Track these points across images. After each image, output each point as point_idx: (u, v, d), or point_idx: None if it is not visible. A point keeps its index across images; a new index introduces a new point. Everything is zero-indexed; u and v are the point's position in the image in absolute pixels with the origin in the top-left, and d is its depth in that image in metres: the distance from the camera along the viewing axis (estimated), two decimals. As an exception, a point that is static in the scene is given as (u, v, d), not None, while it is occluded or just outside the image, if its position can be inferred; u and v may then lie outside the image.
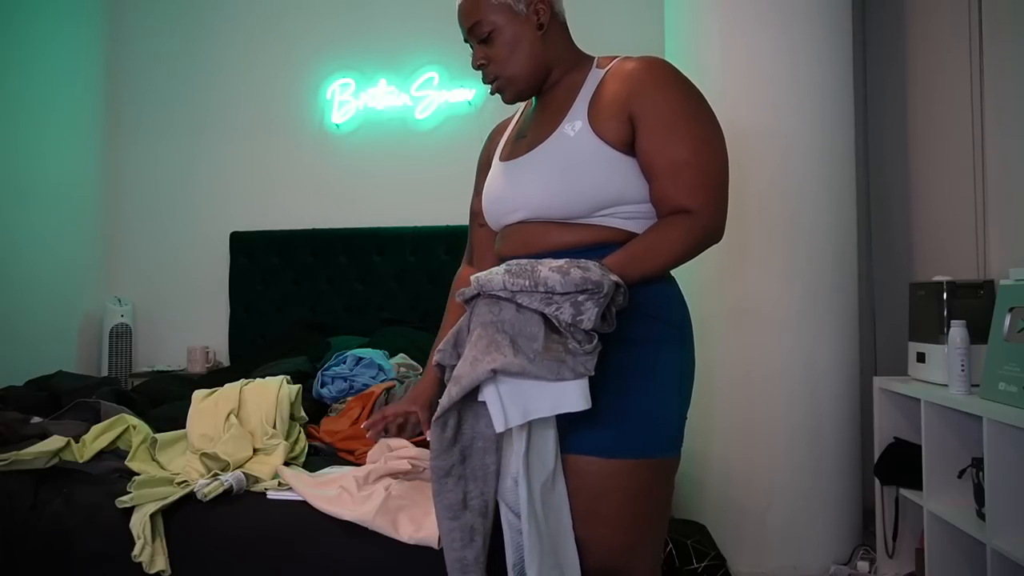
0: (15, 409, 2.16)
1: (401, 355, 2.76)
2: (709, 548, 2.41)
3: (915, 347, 2.41)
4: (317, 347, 3.05)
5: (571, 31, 1.44)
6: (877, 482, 2.50)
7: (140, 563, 1.53)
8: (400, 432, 1.43)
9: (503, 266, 1.19)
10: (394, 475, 1.66)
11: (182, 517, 1.61)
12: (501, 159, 1.45)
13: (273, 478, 1.75)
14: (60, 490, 1.70)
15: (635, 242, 1.27)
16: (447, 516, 1.20)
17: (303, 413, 2.17)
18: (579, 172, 1.28)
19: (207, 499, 1.61)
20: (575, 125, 1.31)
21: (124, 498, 1.61)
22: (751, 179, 2.61)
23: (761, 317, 2.61)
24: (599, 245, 1.28)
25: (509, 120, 1.54)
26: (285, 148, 3.81)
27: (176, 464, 1.83)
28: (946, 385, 2.17)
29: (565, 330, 1.12)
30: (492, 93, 1.43)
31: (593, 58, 1.41)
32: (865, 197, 3.23)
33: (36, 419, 2.06)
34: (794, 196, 2.62)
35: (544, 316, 1.14)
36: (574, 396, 1.13)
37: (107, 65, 3.84)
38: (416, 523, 1.49)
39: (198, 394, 2.08)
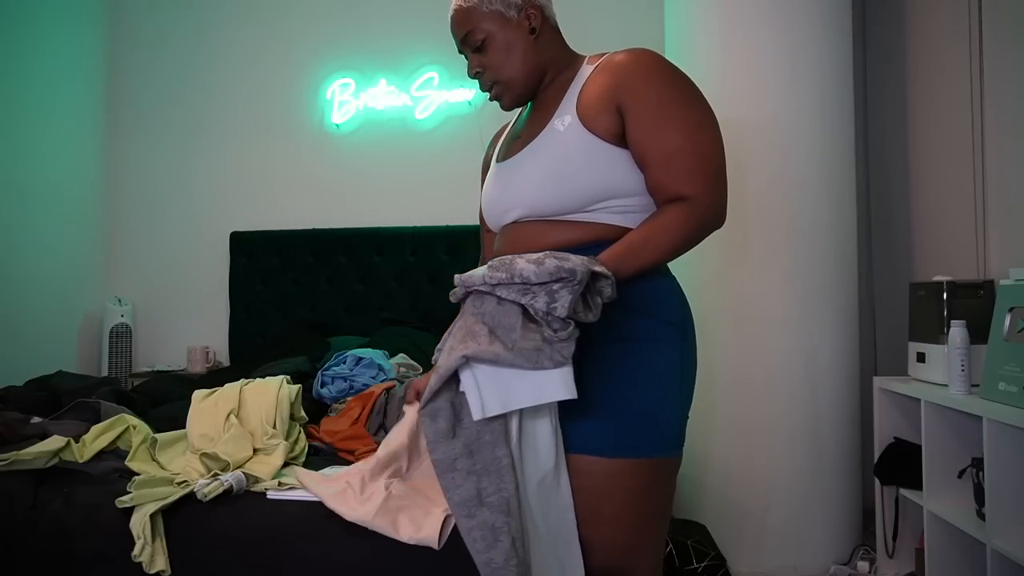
0: (15, 409, 2.16)
1: (401, 355, 2.76)
2: (709, 548, 2.41)
3: (915, 347, 2.41)
4: (317, 347, 3.05)
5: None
6: (877, 482, 2.50)
7: (140, 563, 1.53)
8: None
9: (488, 263, 1.20)
10: (395, 473, 1.66)
11: (182, 517, 1.60)
12: (497, 161, 1.47)
13: (274, 477, 1.75)
14: (60, 490, 1.70)
15: (632, 234, 1.26)
16: (462, 514, 1.17)
17: (303, 413, 2.17)
18: (570, 166, 1.29)
19: (207, 499, 1.61)
20: (564, 120, 1.31)
21: (124, 498, 1.61)
22: (751, 179, 2.61)
23: (761, 317, 2.61)
24: (595, 242, 1.28)
25: (508, 124, 1.56)
26: (285, 148, 3.81)
27: (176, 464, 1.83)
28: (946, 385, 2.17)
29: (541, 319, 1.13)
30: (491, 99, 1.45)
31: (584, 57, 1.42)
32: (865, 197, 3.23)
33: (36, 419, 2.06)
34: (794, 196, 2.62)
35: (522, 307, 1.14)
36: (556, 385, 1.12)
37: (107, 65, 3.84)
38: (416, 523, 1.49)
39: (198, 394, 2.08)
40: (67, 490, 1.70)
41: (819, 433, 2.61)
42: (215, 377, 2.91)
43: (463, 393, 1.15)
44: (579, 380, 1.20)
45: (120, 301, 3.70)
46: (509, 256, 1.17)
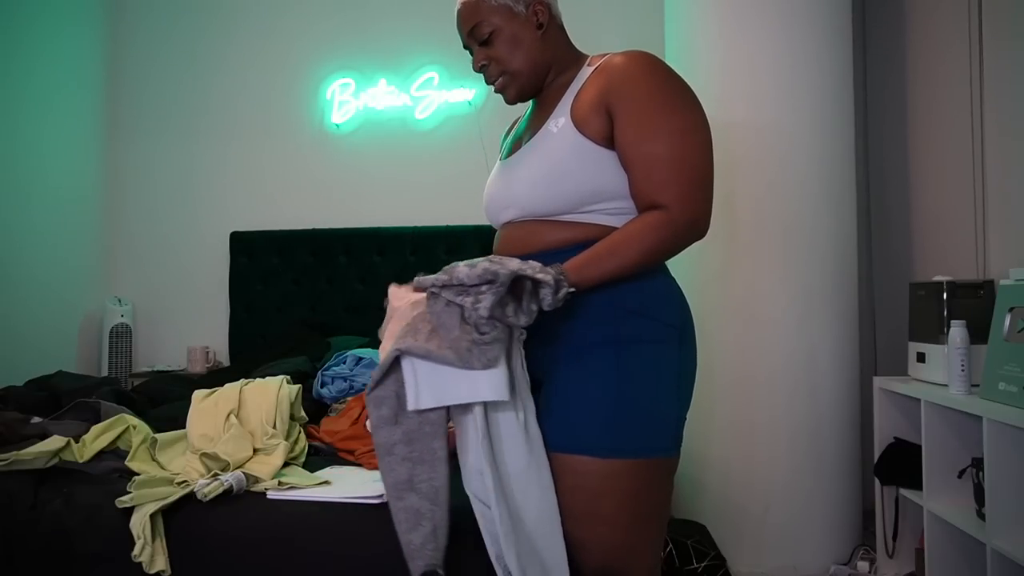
0: (15, 409, 2.16)
1: (401, 355, 2.75)
2: (709, 548, 2.42)
3: (915, 347, 2.41)
4: (317, 347, 3.05)
5: (572, 31, 1.46)
6: (877, 482, 2.50)
7: (140, 563, 1.52)
8: None
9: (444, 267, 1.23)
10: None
11: (182, 517, 1.60)
12: (501, 158, 1.48)
13: (274, 477, 1.75)
14: (60, 490, 1.70)
15: (601, 242, 1.25)
16: (392, 495, 1.25)
17: (303, 413, 2.17)
18: (561, 168, 1.29)
19: (207, 499, 1.61)
20: (559, 122, 1.32)
21: (124, 498, 1.61)
22: (751, 179, 2.61)
23: (761, 317, 2.61)
24: (587, 243, 1.27)
25: (519, 118, 1.56)
26: (285, 148, 3.81)
27: (176, 464, 1.83)
28: (946, 385, 2.17)
29: (468, 320, 1.16)
30: (496, 91, 1.45)
31: (587, 57, 1.42)
32: (865, 198, 3.23)
33: (36, 419, 2.06)
34: (794, 196, 2.62)
35: (461, 308, 1.19)
36: (485, 386, 1.16)
37: (107, 65, 3.84)
38: None
39: (198, 394, 2.08)
40: (67, 490, 1.70)
41: (819, 433, 2.61)
42: (215, 377, 2.91)
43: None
44: (574, 380, 1.22)
45: (120, 301, 3.69)
46: (457, 262, 1.20)
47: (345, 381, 2.47)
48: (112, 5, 3.86)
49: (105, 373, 3.54)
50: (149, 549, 1.53)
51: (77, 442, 1.87)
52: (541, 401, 1.31)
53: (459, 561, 1.31)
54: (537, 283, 1.15)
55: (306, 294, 3.68)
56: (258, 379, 2.19)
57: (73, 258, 3.58)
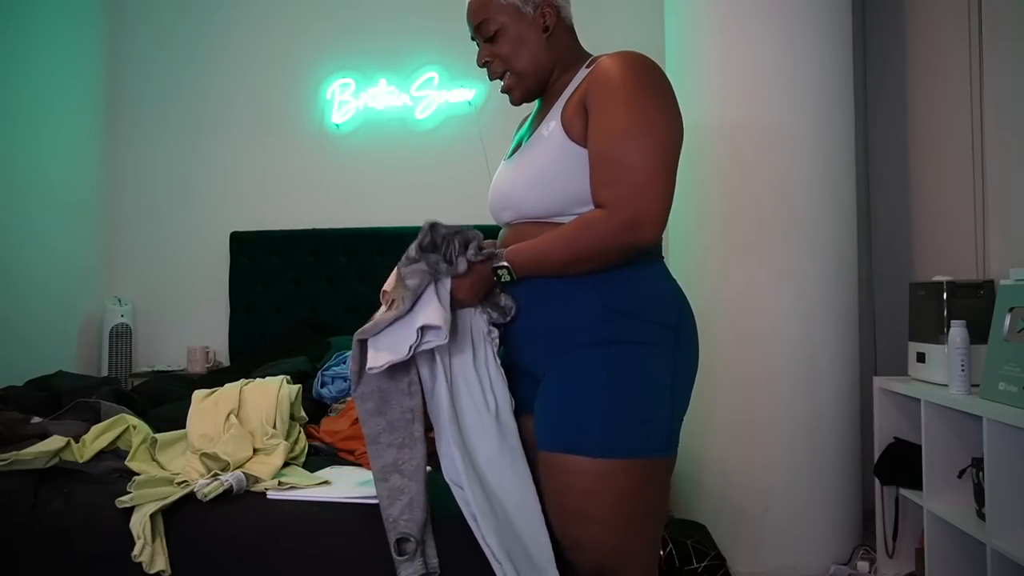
0: (15, 409, 2.16)
1: (401, 355, 2.75)
2: (709, 548, 2.42)
3: (915, 347, 2.41)
4: (317, 347, 3.05)
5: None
6: (877, 482, 2.50)
7: (140, 563, 1.52)
8: None
9: None
10: None
11: (182, 517, 1.60)
12: (505, 158, 1.49)
13: (274, 477, 1.75)
14: (60, 490, 1.70)
15: (541, 238, 1.29)
16: (379, 478, 1.33)
17: (303, 413, 2.17)
18: (550, 173, 1.31)
19: (207, 499, 1.61)
20: (550, 126, 1.34)
21: (124, 498, 1.61)
22: (751, 179, 2.61)
23: (761, 317, 2.61)
24: None
25: (528, 115, 1.57)
26: (285, 148, 3.81)
27: (176, 464, 1.83)
28: (946, 385, 2.17)
29: (402, 267, 1.29)
30: (502, 91, 1.47)
31: (588, 57, 1.42)
32: (865, 198, 3.23)
33: (36, 419, 2.06)
34: (794, 196, 2.62)
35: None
36: (420, 318, 1.25)
37: (106, 65, 3.84)
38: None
39: (198, 394, 2.08)
40: (67, 490, 1.70)
41: (819, 433, 2.61)
42: (215, 377, 2.91)
43: (389, 379, 1.32)
44: (566, 381, 1.25)
45: (120, 301, 3.69)
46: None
47: (345, 381, 2.47)
48: (112, 5, 3.85)
49: (105, 373, 3.54)
50: (149, 549, 1.53)
51: (77, 442, 1.87)
52: (537, 400, 1.33)
53: (459, 561, 1.31)
54: (466, 240, 1.28)
55: (306, 294, 3.68)
56: (258, 379, 2.20)
57: (73, 258, 3.58)
